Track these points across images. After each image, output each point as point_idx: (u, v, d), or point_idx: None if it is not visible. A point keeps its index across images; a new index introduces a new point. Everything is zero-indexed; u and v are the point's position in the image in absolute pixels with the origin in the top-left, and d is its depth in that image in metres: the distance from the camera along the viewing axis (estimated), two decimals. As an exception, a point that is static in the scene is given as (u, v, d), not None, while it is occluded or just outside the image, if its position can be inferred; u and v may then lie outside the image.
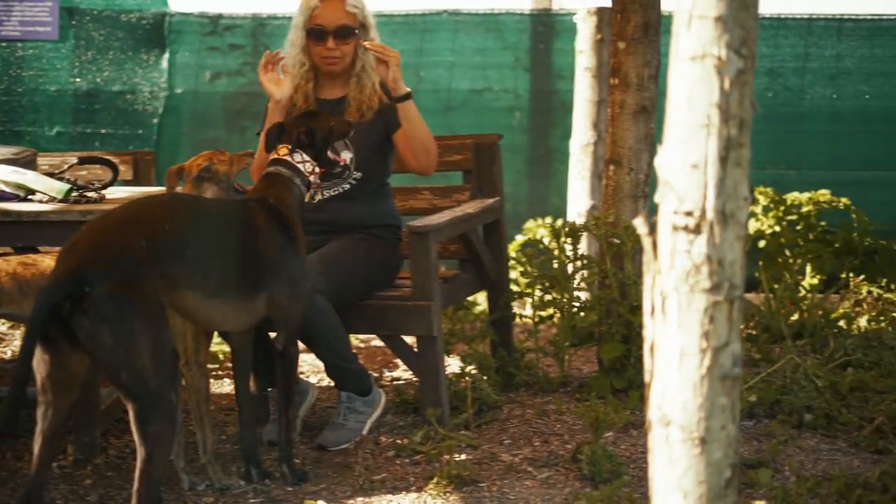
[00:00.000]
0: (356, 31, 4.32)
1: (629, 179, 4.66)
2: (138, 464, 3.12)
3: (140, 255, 3.20)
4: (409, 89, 4.24)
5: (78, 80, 7.44)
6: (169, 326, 3.25)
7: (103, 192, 4.31)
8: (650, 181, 4.71)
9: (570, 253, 4.78)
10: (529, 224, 7.20)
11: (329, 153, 3.93)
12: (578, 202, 6.74)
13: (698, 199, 2.48)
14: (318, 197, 3.91)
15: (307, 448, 4.19)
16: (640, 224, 2.64)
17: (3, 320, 5.78)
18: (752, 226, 6.84)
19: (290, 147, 3.85)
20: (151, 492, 3.10)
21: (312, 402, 4.55)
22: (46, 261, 3.66)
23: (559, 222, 7.11)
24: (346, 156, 4.26)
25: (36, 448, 3.23)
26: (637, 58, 4.62)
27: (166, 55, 7.43)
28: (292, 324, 3.72)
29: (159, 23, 7.42)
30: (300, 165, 3.83)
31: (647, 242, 2.64)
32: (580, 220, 6.50)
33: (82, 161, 4.63)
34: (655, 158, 2.54)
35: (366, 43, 4.22)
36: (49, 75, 7.45)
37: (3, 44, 7.42)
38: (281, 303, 3.65)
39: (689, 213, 2.49)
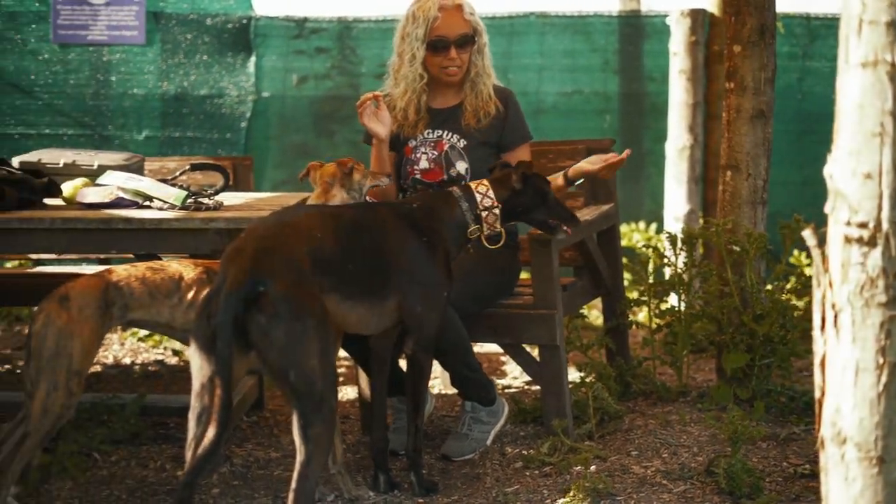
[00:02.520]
0: (474, 39, 4.26)
1: (747, 185, 4.58)
2: (297, 465, 3.11)
3: (304, 260, 3.25)
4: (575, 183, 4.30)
5: (165, 83, 7.45)
6: (333, 332, 3.23)
7: (219, 197, 4.31)
8: (768, 186, 4.62)
9: (686, 260, 4.69)
10: (623, 228, 7.13)
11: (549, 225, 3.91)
12: (675, 207, 6.66)
13: (872, 210, 2.40)
14: (491, 245, 3.83)
15: (431, 458, 4.14)
16: (808, 236, 2.58)
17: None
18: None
19: (487, 184, 3.81)
20: (308, 492, 3.09)
21: (431, 410, 4.51)
22: (173, 266, 3.62)
23: (653, 228, 7.04)
24: (462, 166, 4.22)
25: (189, 454, 3.20)
26: (753, 61, 4.54)
27: (253, 59, 7.42)
28: (424, 330, 3.66)
29: (245, 26, 7.41)
30: (478, 195, 3.77)
31: (816, 254, 2.57)
32: (677, 225, 6.44)
33: (195, 167, 4.61)
34: (825, 168, 2.47)
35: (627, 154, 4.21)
36: (137, 79, 7.47)
37: (91, 49, 7.45)
38: (413, 308, 3.60)
39: (862, 225, 2.42)
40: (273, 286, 3.09)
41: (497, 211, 3.77)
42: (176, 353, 6.06)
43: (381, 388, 3.83)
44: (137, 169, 4.61)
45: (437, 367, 5.45)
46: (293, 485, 3.10)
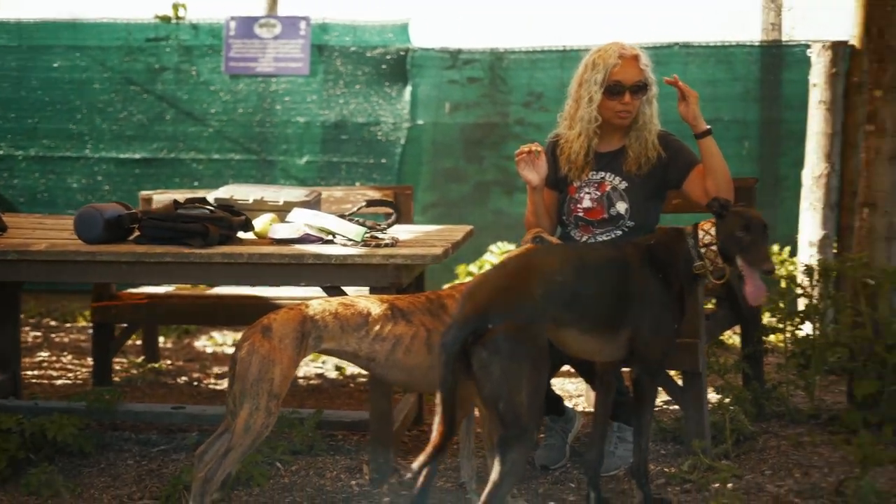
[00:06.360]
0: (646, 87, 4.58)
1: (883, 222, 4.86)
2: (490, 482, 3.50)
3: (535, 303, 3.60)
4: (708, 126, 4.49)
5: (326, 112, 7.97)
6: (548, 373, 3.61)
7: (390, 232, 4.75)
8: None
9: (821, 291, 5.00)
10: (759, 252, 7.41)
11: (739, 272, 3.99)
12: (810, 232, 6.92)
13: None
14: (715, 279, 4.05)
15: (578, 473, 4.52)
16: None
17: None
18: None
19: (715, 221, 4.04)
20: None
21: (579, 428, 4.88)
22: (362, 302, 4.04)
23: (786, 251, 7.29)
24: (622, 206, 4.56)
25: (421, 459, 3.57)
26: (893, 106, 4.82)
27: (408, 88, 7.90)
28: (650, 358, 3.96)
29: (402, 58, 7.90)
30: (700, 232, 4.03)
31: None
32: (811, 250, 6.71)
33: (370, 204, 5.06)
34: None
35: (669, 79, 4.48)
36: (300, 108, 8.02)
37: (259, 79, 8.01)
38: (643, 338, 3.91)
39: None
40: (500, 325, 3.48)
41: (715, 248, 4.00)
42: (338, 368, 6.54)
43: (603, 411, 4.17)
44: (316, 203, 5.08)
45: (581, 385, 5.84)
46: (484, 497, 3.49)
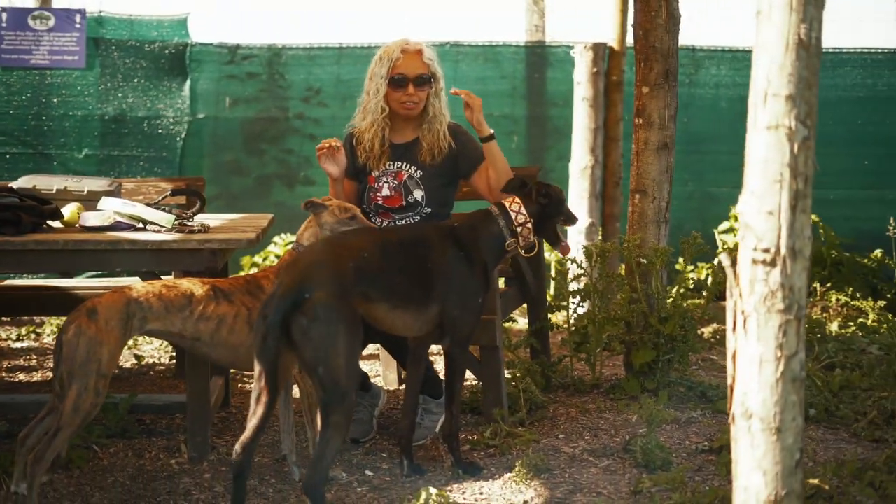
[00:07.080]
0: (431, 80, 4.90)
1: (653, 207, 5.34)
2: (316, 447, 3.76)
3: (348, 276, 3.89)
4: (492, 130, 4.84)
5: (104, 105, 7.96)
6: (361, 338, 3.86)
7: (196, 219, 4.88)
8: (670, 208, 5.39)
9: (599, 271, 5.45)
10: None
11: (557, 236, 4.53)
12: (578, 221, 7.43)
13: (773, 239, 3.16)
14: (526, 254, 4.47)
15: (389, 444, 4.80)
16: (724, 258, 3.32)
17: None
18: (731, 240, 7.59)
19: (519, 201, 4.42)
20: (323, 470, 3.74)
21: (384, 404, 5.16)
22: (185, 284, 4.19)
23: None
24: (419, 194, 4.86)
25: (248, 425, 3.80)
26: (659, 101, 5.31)
27: (188, 83, 7.98)
28: (459, 331, 4.28)
29: (181, 52, 7.97)
30: (512, 213, 4.40)
31: (729, 273, 3.31)
32: (579, 237, 7.21)
33: (175, 192, 5.18)
34: (737, 206, 3.21)
35: (454, 90, 4.81)
36: (77, 101, 7.97)
37: (34, 72, 7.91)
38: (451, 312, 4.23)
39: (766, 250, 3.17)
40: (316, 294, 3.74)
41: (530, 225, 4.41)
42: (137, 357, 6.59)
43: (414, 384, 4.46)
44: (118, 192, 5.17)
45: (378, 367, 6.11)
46: (311, 462, 3.74)
